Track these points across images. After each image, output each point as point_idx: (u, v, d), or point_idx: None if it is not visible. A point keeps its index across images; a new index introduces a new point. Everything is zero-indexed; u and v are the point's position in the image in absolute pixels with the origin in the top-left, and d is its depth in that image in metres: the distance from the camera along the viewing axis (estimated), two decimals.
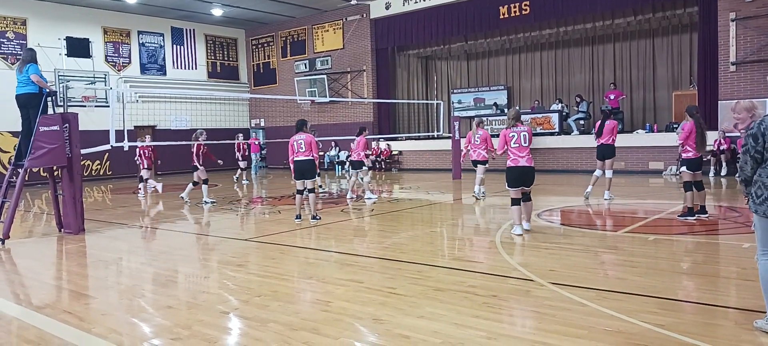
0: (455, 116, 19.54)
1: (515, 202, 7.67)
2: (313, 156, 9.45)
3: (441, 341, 3.92)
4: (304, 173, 9.51)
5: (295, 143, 9.46)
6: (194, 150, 13.01)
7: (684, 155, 8.50)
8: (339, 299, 5.03)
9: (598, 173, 11.09)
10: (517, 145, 7.57)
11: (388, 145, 22.36)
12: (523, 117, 8.30)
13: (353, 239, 8.24)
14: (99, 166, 22.32)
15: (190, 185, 13.35)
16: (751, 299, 4.59)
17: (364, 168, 12.82)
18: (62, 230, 9.35)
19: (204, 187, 13.02)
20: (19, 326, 4.69)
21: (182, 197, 13.29)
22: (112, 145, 10.89)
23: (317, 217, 9.66)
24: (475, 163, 12.27)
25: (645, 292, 4.88)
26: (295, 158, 9.48)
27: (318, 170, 9.68)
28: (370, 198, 12.45)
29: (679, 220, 8.54)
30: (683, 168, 8.58)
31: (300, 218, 9.60)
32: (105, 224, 10.35)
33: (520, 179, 7.57)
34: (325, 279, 5.81)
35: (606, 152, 10.93)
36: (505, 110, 21.87)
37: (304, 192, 9.63)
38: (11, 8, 20.20)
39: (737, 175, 4.22)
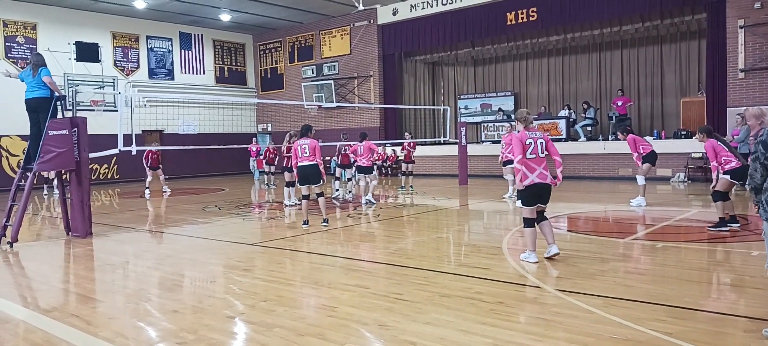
0: (462, 122, 19.53)
1: (530, 223, 6.39)
2: (316, 161, 9.41)
3: None
4: (308, 177, 9.47)
5: (299, 148, 9.46)
6: (284, 151, 13.01)
7: (727, 166, 7.93)
8: (345, 305, 5.02)
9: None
10: (535, 155, 6.28)
11: (393, 150, 22.36)
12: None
13: (359, 244, 8.23)
14: (107, 170, 22.44)
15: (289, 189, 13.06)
16: (760, 308, 4.55)
17: (373, 173, 12.94)
18: (70, 233, 9.39)
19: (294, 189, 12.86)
20: (26, 329, 4.71)
21: (286, 204, 12.92)
22: (120, 150, 10.93)
23: (327, 221, 9.66)
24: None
25: (653, 299, 4.84)
26: (299, 163, 9.46)
27: (324, 176, 9.63)
28: (370, 203, 12.52)
29: (711, 232, 7.99)
30: (727, 176, 7.94)
31: (308, 224, 9.53)
32: (112, 227, 10.39)
33: (538, 196, 6.32)
34: (330, 284, 5.80)
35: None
36: (512, 116, 21.85)
37: (311, 196, 9.61)
38: (22, 13, 20.39)
39: (747, 182, 4.18)
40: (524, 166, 6.25)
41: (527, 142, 6.28)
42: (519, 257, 6.61)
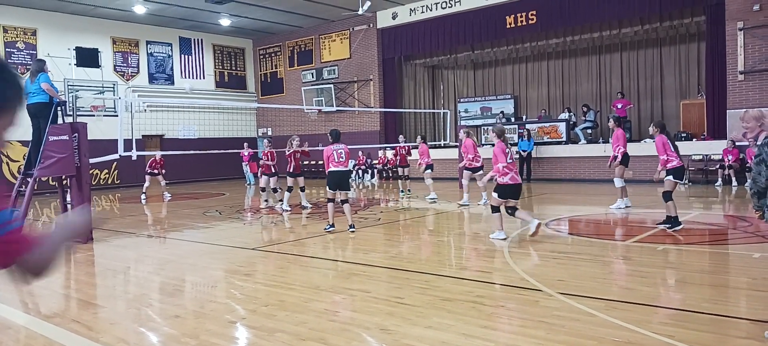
0: (462, 125, 19.53)
1: (497, 209, 8.09)
2: (349, 166, 9.44)
3: None
4: (342, 183, 9.35)
5: (334, 153, 9.20)
6: (286, 155, 12.95)
7: (669, 165, 8.41)
8: (346, 309, 5.02)
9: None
10: (511, 159, 7.93)
11: (393, 153, 22.36)
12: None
13: (360, 248, 8.23)
14: (107, 175, 22.43)
15: (287, 193, 12.88)
16: (763, 310, 4.55)
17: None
18: None
19: (301, 193, 12.87)
20: (28, 335, 4.71)
21: (284, 209, 12.74)
22: (120, 155, 10.94)
23: (353, 226, 9.46)
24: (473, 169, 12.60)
25: (654, 302, 4.85)
26: (336, 169, 9.23)
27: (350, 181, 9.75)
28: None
29: (663, 229, 8.35)
30: (669, 177, 8.43)
31: (334, 227, 9.36)
32: (113, 233, 10.38)
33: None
34: (332, 289, 5.80)
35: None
36: (512, 119, 21.91)
37: (337, 201, 9.50)
38: (21, 19, 20.41)
39: (748, 185, 4.17)
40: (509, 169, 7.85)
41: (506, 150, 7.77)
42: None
